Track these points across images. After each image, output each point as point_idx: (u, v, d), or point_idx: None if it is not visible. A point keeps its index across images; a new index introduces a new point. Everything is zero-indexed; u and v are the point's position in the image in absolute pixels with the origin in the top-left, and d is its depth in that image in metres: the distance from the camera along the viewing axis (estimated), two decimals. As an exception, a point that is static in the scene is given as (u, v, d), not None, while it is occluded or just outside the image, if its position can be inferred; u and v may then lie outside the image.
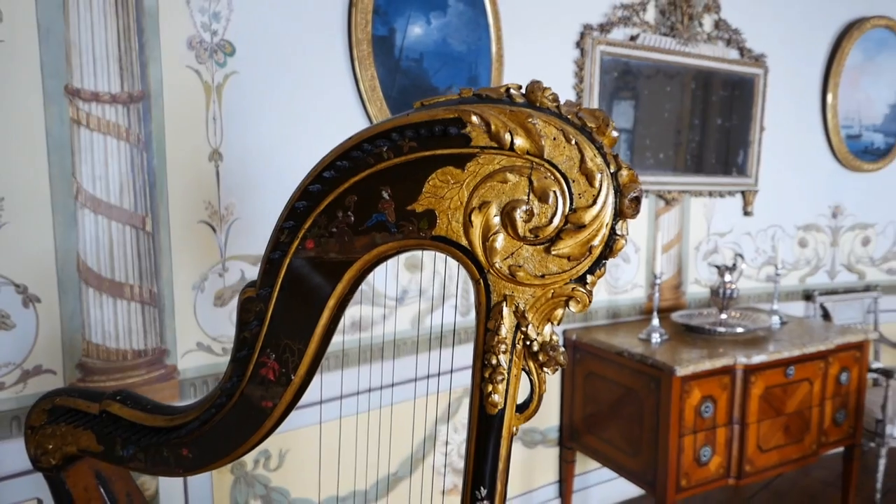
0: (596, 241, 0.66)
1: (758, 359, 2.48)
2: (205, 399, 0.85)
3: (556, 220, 0.66)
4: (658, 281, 2.67)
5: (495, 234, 0.67)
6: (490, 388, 0.71)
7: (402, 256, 2.31)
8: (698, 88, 3.15)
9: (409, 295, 2.40)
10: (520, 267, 0.67)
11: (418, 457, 2.51)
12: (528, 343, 0.69)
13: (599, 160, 0.65)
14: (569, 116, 0.66)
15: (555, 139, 0.65)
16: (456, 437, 2.63)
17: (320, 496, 2.25)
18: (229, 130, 1.91)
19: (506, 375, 0.70)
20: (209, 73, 1.85)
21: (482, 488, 0.73)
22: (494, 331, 0.69)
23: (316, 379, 0.86)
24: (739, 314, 2.99)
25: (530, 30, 2.64)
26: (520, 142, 0.65)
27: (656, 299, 2.69)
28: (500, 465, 0.73)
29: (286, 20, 2.00)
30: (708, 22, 3.14)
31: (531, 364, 0.71)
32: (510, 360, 0.70)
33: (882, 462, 3.22)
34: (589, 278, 0.68)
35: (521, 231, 0.66)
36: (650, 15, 2.98)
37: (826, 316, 3.61)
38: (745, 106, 3.29)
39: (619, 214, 0.67)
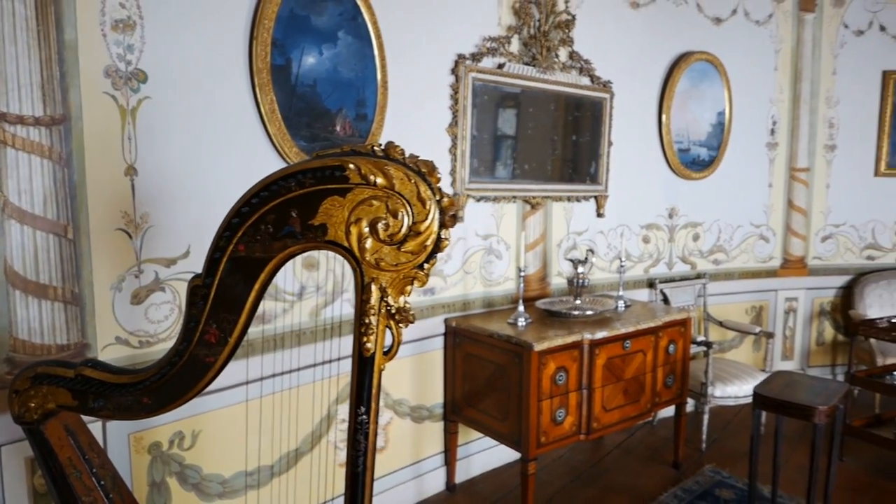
0: (428, 242, 1.07)
1: (600, 335, 3.05)
2: (161, 361, 1.17)
3: (404, 230, 1.05)
4: (522, 274, 3.17)
5: (366, 238, 1.05)
6: (365, 339, 1.09)
7: (301, 257, 2.64)
8: (557, 109, 3.70)
9: (307, 291, 2.73)
10: (382, 259, 1.06)
11: (318, 434, 2.84)
12: (388, 308, 1.08)
13: (429, 192, 1.05)
14: (411, 164, 1.06)
15: (402, 179, 1.04)
16: (352, 415, 2.98)
17: (229, 472, 2.53)
18: (143, 148, 2.16)
19: (375, 330, 1.09)
20: (124, 98, 2.10)
21: (362, 407, 1.12)
22: (367, 301, 1.07)
23: (227, 367, 1.16)
24: (591, 300, 3.57)
25: (411, 59, 3.05)
26: (380, 180, 1.04)
27: (521, 290, 3.18)
28: (374, 391, 1.12)
29: (194, 51, 2.28)
30: (563, 53, 3.70)
31: (392, 322, 1.10)
32: (377, 320, 1.08)
33: (706, 417, 3.94)
34: (425, 266, 1.08)
35: (382, 237, 1.05)
36: (515, 46, 3.48)
37: (666, 300, 4.31)
38: (596, 124, 3.90)
39: (443, 225, 1.07)
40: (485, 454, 3.61)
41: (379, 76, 2.87)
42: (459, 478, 3.47)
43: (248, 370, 2.44)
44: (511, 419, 2.93)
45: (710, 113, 4.45)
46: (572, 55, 3.73)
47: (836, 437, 3.12)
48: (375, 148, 1.06)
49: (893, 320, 3.86)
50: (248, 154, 2.47)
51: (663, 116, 4.22)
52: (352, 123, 2.79)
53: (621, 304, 3.61)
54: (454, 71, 3.22)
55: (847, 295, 5.05)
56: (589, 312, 3.30)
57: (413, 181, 1.04)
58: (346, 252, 1.06)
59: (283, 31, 2.50)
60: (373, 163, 1.04)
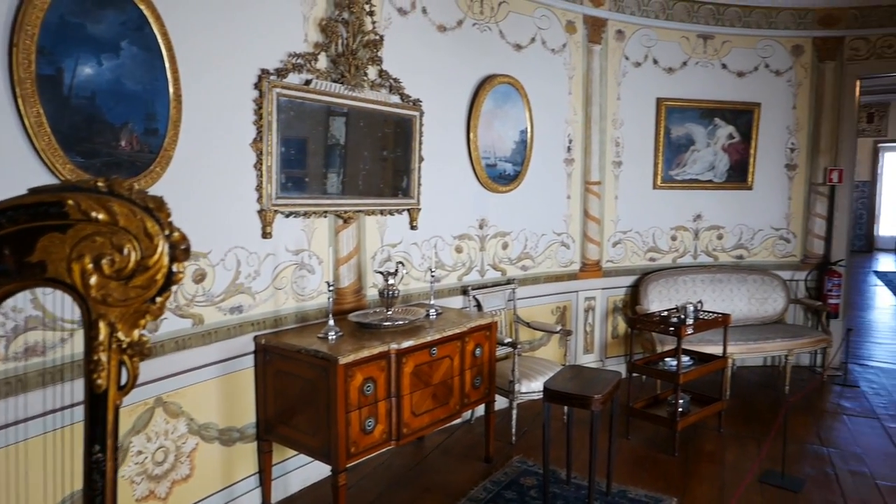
0: (158, 277, 1.08)
1: (407, 344, 3.19)
2: None
3: (132, 265, 1.06)
4: (331, 288, 3.22)
5: (90, 275, 1.04)
6: (95, 375, 1.07)
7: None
8: (367, 126, 3.80)
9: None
10: (109, 295, 1.05)
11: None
12: (120, 343, 1.07)
13: (157, 227, 1.06)
14: (137, 200, 1.06)
15: (127, 214, 1.05)
16: (150, 445, 2.82)
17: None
18: None
19: (106, 366, 1.07)
20: None
21: (97, 446, 1.10)
22: (95, 337, 1.06)
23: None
24: (404, 310, 3.71)
25: (210, 72, 2.97)
26: (102, 216, 1.03)
27: (330, 304, 3.23)
28: (109, 428, 1.10)
29: (-66, 57, 2.03)
30: (373, 72, 3.82)
31: (125, 357, 1.10)
32: (108, 356, 1.07)
33: (514, 412, 4.28)
34: (158, 299, 1.09)
35: (108, 272, 1.04)
36: (322, 63, 3.53)
37: (479, 305, 4.60)
38: (407, 140, 4.07)
39: (175, 259, 1.09)
40: (304, 470, 3.60)
41: (171, 89, 2.76)
42: (277, 496, 3.43)
43: (26, 407, 2.24)
44: (321, 433, 2.96)
45: (514, 131, 4.84)
46: (382, 73, 3.86)
47: (615, 420, 3.56)
48: (99, 184, 1.05)
49: (664, 314, 4.48)
50: (12, 173, 2.25)
51: (471, 134, 4.52)
52: (140, 138, 2.65)
53: (433, 312, 3.80)
54: (258, 86, 3.19)
55: (635, 293, 5.76)
56: (400, 322, 3.43)
57: (139, 217, 1.05)
58: (69, 289, 1.04)
59: (51, 38, 2.31)
60: (95, 199, 1.03)
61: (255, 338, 3.24)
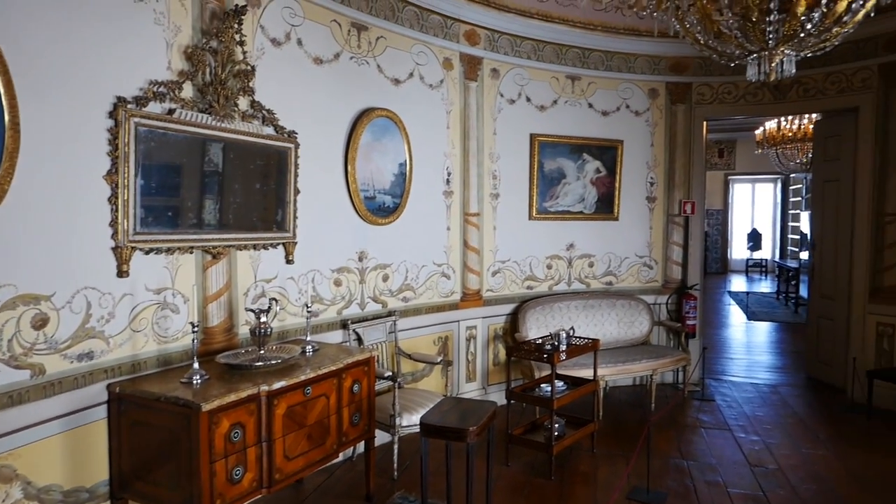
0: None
1: (279, 384, 3.07)
2: None
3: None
4: (195, 329, 3.04)
5: None
6: None
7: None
8: (238, 158, 3.66)
9: None
10: None
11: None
12: None
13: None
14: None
15: None
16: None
17: None
18: None
19: None
20: None
21: None
22: None
23: None
24: (278, 348, 3.57)
25: (57, 99, 2.74)
26: None
27: (195, 345, 3.04)
28: None
29: None
30: (244, 102, 3.70)
31: None
32: None
33: (396, 447, 4.23)
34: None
35: None
36: (188, 93, 3.37)
37: (359, 339, 4.54)
38: (282, 173, 3.97)
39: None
40: (166, 526, 3.32)
41: (7, 117, 2.52)
42: (134, 559, 3.13)
43: None
44: (183, 486, 2.75)
45: (393, 164, 4.88)
46: (254, 104, 3.75)
47: (493, 448, 3.61)
48: None
49: (538, 341, 4.65)
50: None
51: (349, 166, 4.49)
52: (-34, 171, 2.38)
53: (310, 348, 3.69)
54: (113, 115, 2.98)
55: (514, 320, 5.94)
56: (273, 362, 3.30)
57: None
58: None
59: None
60: None
61: (109, 386, 2.98)
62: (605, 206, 6.44)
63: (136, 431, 2.93)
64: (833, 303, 6.43)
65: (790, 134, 9.75)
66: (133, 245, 3.08)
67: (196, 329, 3.03)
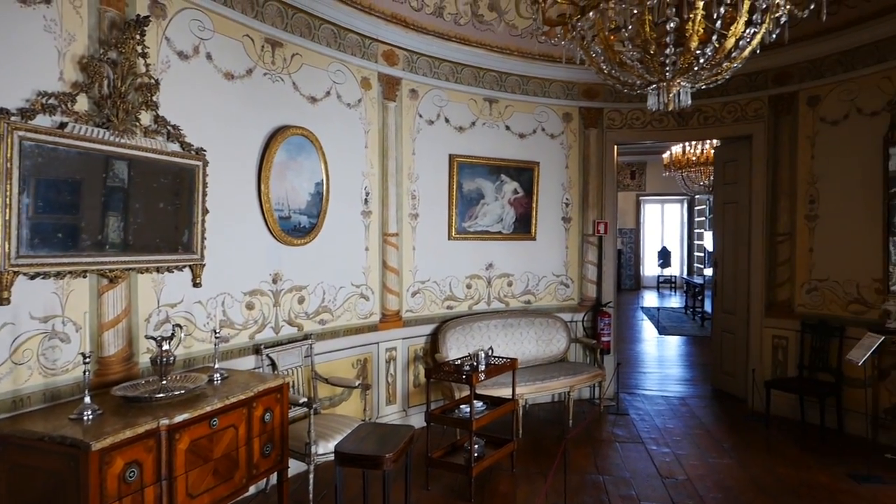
0: None
1: (181, 417, 2.88)
2: None
3: None
4: (87, 360, 2.81)
5: None
6: None
7: None
8: (140, 175, 3.45)
9: None
10: None
11: None
12: None
13: None
14: None
15: None
16: None
17: None
18: None
19: None
20: None
21: None
22: None
23: None
24: (182, 377, 3.37)
25: (-77, 110, 2.49)
26: None
27: (86, 377, 2.81)
28: None
29: None
30: (147, 117, 3.50)
31: None
32: None
33: (311, 476, 4.07)
34: None
35: None
36: (83, 106, 3.16)
37: (273, 365, 4.36)
38: (189, 192, 3.78)
39: None
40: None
41: None
42: None
43: None
44: (69, 534, 2.52)
45: (309, 183, 4.77)
46: (158, 119, 3.56)
47: (410, 473, 3.55)
48: None
49: (457, 362, 4.63)
50: None
51: (262, 185, 4.35)
52: None
53: (218, 377, 3.51)
54: (-7, 128, 2.74)
55: (434, 340, 5.91)
56: (176, 393, 3.10)
57: None
58: None
59: None
60: None
61: (-17, 426, 2.70)
62: (523, 227, 6.57)
63: (16, 476, 2.65)
64: (734, 317, 6.83)
65: (694, 158, 10.37)
66: (15, 269, 2.83)
67: (88, 360, 2.80)
